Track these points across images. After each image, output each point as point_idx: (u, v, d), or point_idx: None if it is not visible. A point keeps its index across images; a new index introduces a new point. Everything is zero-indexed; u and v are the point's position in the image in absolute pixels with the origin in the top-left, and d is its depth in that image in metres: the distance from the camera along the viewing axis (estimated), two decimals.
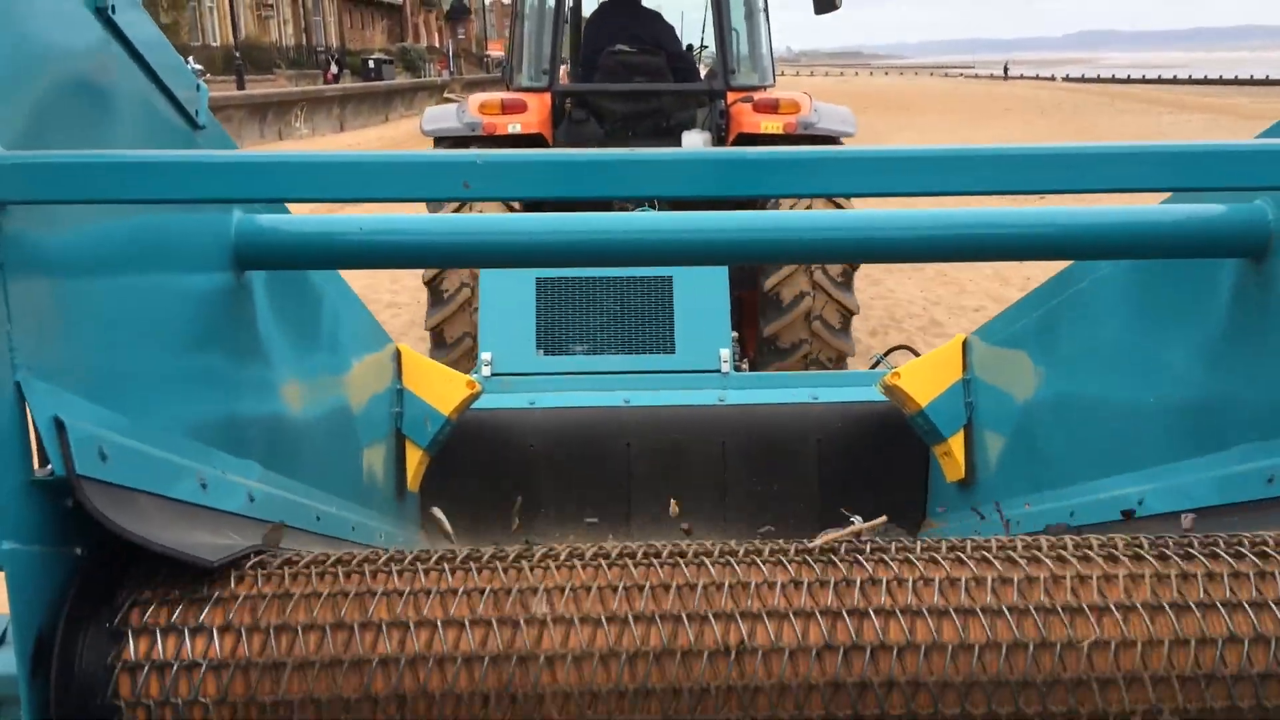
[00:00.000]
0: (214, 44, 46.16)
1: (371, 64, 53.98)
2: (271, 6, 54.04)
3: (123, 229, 1.67)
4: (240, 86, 36.86)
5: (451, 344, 6.66)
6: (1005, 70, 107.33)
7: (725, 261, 4.11)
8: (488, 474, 4.17)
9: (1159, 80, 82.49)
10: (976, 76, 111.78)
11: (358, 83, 50.51)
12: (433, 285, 6.74)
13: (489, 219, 2.71)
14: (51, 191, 1.30)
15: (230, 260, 2.09)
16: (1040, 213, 2.41)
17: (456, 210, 6.41)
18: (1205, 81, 76.29)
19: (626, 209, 6.49)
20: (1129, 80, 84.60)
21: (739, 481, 4.28)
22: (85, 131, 1.58)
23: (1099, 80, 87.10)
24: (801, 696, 1.29)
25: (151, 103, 1.81)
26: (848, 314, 6.86)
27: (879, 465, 4.20)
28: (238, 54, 39.49)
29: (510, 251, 2.40)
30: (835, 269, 6.77)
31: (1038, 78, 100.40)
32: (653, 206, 7.00)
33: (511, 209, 5.92)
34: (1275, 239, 2.01)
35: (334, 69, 51.19)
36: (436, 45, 79.70)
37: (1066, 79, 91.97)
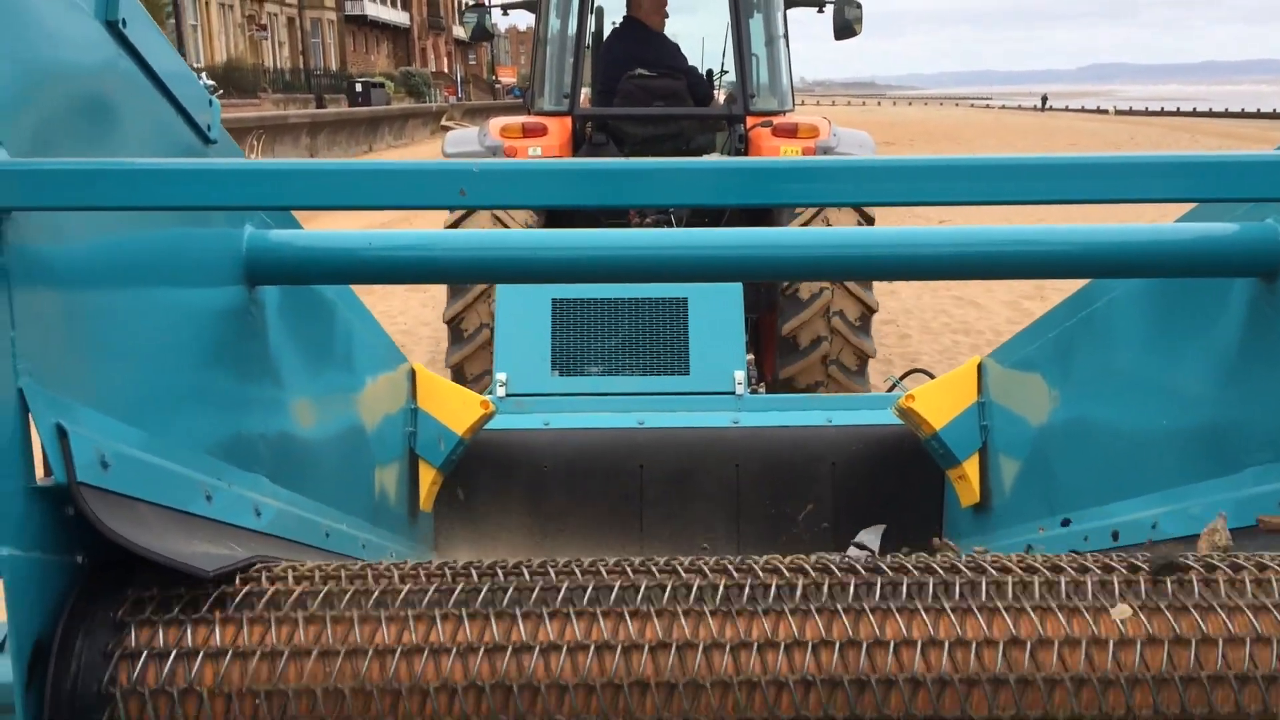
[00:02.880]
0: (197, 64, 42.13)
1: (359, 87, 49.69)
2: (265, 27, 51.59)
3: (131, 241, 1.68)
4: None
5: (472, 380, 6.67)
6: (1044, 101, 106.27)
7: (741, 278, 4.10)
8: (501, 494, 4.16)
9: (1214, 114, 79.92)
10: (1017, 108, 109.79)
11: (339, 107, 45.67)
12: (453, 324, 6.76)
13: (499, 234, 2.72)
14: (54, 198, 1.31)
15: (241, 275, 2.11)
16: (1056, 231, 2.41)
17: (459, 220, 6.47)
18: (1252, 115, 73.77)
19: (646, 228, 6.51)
20: (1194, 113, 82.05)
21: (753, 505, 4.26)
22: (94, 144, 1.60)
23: (1146, 113, 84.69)
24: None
25: (162, 117, 1.83)
26: (864, 357, 6.83)
27: (894, 489, 4.17)
28: None
29: (522, 267, 2.40)
30: (854, 313, 6.70)
31: (1082, 109, 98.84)
32: (671, 224, 7.02)
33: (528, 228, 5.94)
34: None
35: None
36: (445, 70, 78.99)
37: (1116, 111, 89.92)
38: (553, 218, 6.73)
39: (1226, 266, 2.10)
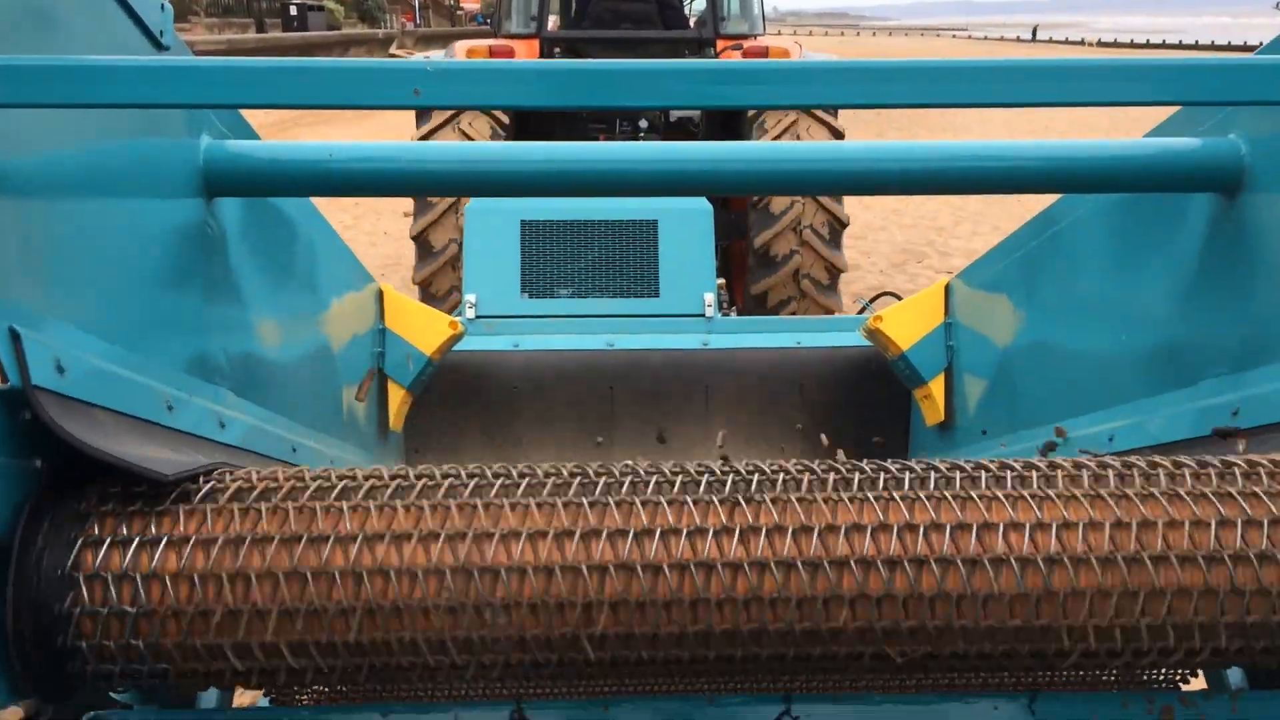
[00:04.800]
0: None
1: (293, 10, 45.08)
2: None
3: (85, 149, 1.65)
4: None
5: (440, 298, 6.65)
6: (1034, 32, 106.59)
7: (711, 190, 4.07)
8: (471, 415, 4.17)
9: (1195, 46, 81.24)
10: (1000, 39, 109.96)
11: (274, 33, 41.96)
12: (420, 239, 6.71)
13: (465, 146, 2.68)
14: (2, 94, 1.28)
15: (198, 186, 2.07)
16: (1021, 146, 2.40)
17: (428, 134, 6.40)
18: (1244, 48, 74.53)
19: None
20: (1162, 45, 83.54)
21: (722, 426, 4.29)
22: (42, 48, 1.55)
23: (1132, 45, 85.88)
24: (755, 610, 1.30)
25: (112, 20, 1.78)
26: (836, 271, 6.87)
27: (862, 409, 4.21)
28: None
29: (488, 179, 2.37)
30: (823, 227, 6.75)
31: (1066, 41, 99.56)
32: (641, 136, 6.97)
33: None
34: (1248, 174, 2.01)
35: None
36: None
37: (1099, 43, 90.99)
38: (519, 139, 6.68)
39: (1189, 182, 2.11)
